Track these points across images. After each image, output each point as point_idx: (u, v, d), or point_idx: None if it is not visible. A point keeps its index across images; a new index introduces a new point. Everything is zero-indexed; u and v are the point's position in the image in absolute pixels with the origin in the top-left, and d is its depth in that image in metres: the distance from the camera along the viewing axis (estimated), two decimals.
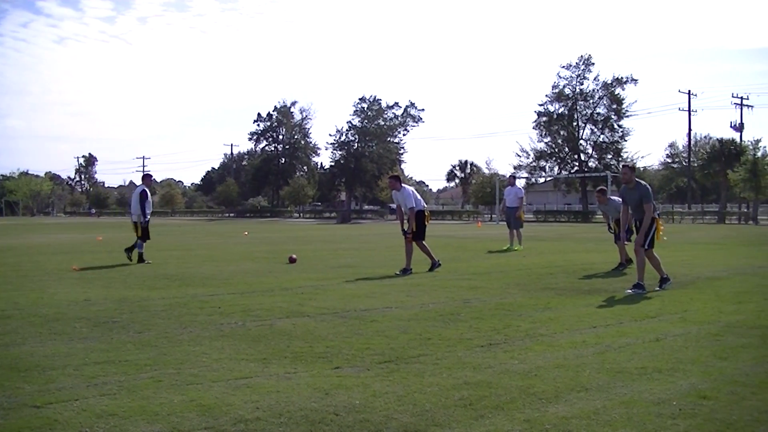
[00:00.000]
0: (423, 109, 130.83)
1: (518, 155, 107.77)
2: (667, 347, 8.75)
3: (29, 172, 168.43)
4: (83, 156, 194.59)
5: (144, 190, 22.32)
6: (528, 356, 8.26)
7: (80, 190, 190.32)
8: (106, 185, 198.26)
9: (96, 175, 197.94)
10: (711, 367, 7.66)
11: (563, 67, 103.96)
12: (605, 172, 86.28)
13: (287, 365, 7.85)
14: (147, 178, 23.35)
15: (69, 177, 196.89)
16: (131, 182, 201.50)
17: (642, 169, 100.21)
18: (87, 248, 29.88)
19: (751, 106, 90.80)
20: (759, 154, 74.76)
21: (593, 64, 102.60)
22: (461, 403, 6.39)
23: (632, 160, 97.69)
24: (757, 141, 76.38)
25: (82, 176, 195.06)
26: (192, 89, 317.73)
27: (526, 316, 11.17)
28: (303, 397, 6.56)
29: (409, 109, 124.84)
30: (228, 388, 6.85)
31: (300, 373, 7.46)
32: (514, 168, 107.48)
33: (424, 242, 18.67)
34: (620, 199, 15.57)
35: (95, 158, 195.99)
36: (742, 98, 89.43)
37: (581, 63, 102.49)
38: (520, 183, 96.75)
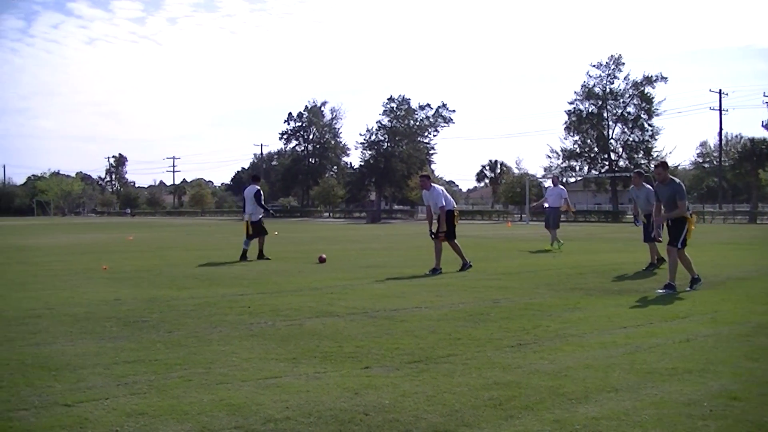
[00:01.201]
0: (454, 110, 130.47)
1: (548, 156, 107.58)
2: (697, 348, 8.71)
3: (60, 172, 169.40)
4: (114, 156, 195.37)
5: (259, 191, 23.23)
6: (557, 356, 8.24)
7: (111, 190, 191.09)
8: (136, 185, 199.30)
9: (126, 175, 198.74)
10: (742, 368, 7.62)
11: (593, 66, 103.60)
12: (635, 171, 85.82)
13: (316, 365, 7.86)
14: (257, 179, 24.47)
15: (99, 177, 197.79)
16: (161, 182, 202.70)
17: (675, 167, 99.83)
18: (117, 248, 30.00)
19: None
20: None
21: (623, 63, 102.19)
22: (490, 404, 6.38)
23: (662, 158, 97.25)
24: None
25: (113, 176, 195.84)
26: (222, 89, 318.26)
27: (555, 316, 11.15)
28: (332, 397, 6.56)
29: (440, 110, 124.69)
30: (257, 388, 6.87)
31: (329, 373, 7.47)
32: (545, 169, 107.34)
33: (455, 242, 18.65)
34: (652, 188, 15.44)
35: (125, 158, 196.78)
36: None
37: (611, 62, 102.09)
38: (549, 183, 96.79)
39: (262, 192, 23.33)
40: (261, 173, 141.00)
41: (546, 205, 28.09)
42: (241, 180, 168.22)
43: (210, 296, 13.53)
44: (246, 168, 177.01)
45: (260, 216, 23.10)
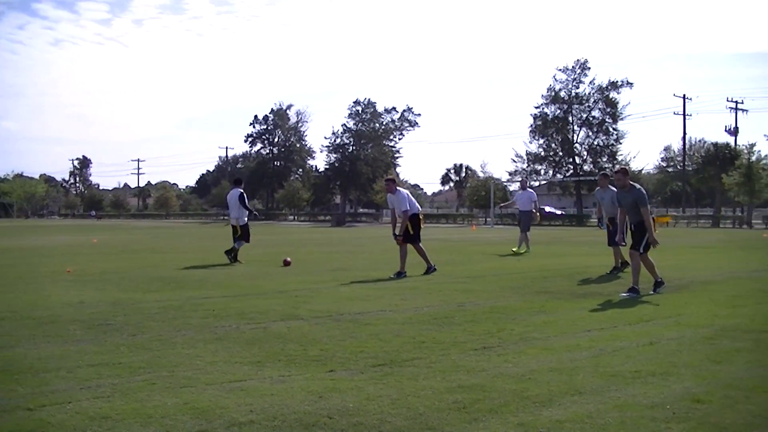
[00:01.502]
0: (420, 114, 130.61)
1: (514, 160, 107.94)
2: (661, 351, 8.77)
3: (24, 174, 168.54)
4: (78, 158, 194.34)
5: (242, 194, 23.15)
6: (522, 360, 8.27)
7: (75, 192, 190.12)
8: (100, 187, 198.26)
9: (91, 178, 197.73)
10: (705, 371, 7.67)
11: (559, 70, 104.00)
12: (601, 173, 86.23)
13: (281, 368, 7.85)
14: (239, 182, 24.56)
15: (64, 179, 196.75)
16: (126, 185, 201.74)
17: (639, 171, 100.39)
18: (82, 251, 29.85)
19: (746, 111, 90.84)
20: (753, 158, 74.97)
21: (589, 68, 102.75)
22: (455, 407, 6.39)
23: (626, 162, 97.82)
24: (752, 145, 76.70)
25: (77, 178, 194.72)
26: (187, 92, 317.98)
27: (520, 319, 11.18)
28: (297, 401, 6.56)
29: (405, 114, 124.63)
30: (222, 391, 6.85)
31: (294, 377, 7.46)
32: (509, 173, 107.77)
33: (420, 245, 18.67)
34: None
35: (90, 160, 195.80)
36: (736, 102, 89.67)
37: (577, 67, 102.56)
38: (516, 185, 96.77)
39: (245, 194, 23.26)
40: (227, 176, 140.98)
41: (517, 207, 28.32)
42: (206, 182, 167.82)
43: (175, 299, 13.47)
44: (211, 170, 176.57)
45: (246, 219, 23.07)
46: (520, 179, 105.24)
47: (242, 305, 12.64)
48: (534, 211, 27.58)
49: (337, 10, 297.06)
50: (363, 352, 8.69)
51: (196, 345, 9.15)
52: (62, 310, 12.05)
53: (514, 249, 26.59)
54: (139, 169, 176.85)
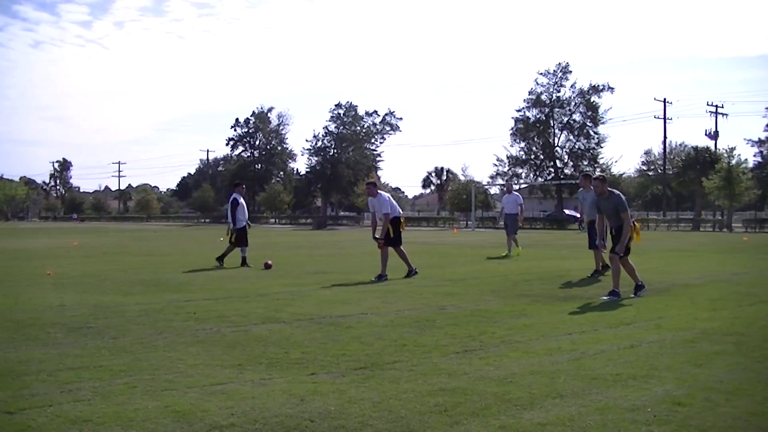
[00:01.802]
0: (401, 118, 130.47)
1: (495, 164, 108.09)
2: (642, 354, 8.79)
3: (4, 176, 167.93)
4: (58, 161, 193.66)
5: (234, 198, 22.86)
6: (503, 363, 8.28)
7: (55, 195, 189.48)
8: (81, 190, 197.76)
9: (71, 180, 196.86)
10: (686, 374, 7.69)
11: (540, 73, 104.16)
12: (584, 173, 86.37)
13: (262, 371, 7.85)
14: (238, 186, 23.91)
15: (44, 182, 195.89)
16: (106, 187, 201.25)
17: (619, 175, 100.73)
18: (62, 253, 29.76)
19: (726, 115, 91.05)
20: (733, 162, 75.22)
21: (570, 72, 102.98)
22: (436, 410, 6.39)
23: (607, 166, 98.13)
24: (732, 149, 76.91)
25: (57, 181, 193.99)
26: (169, 94, 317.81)
27: (501, 322, 11.19)
28: (278, 404, 6.55)
29: (387, 118, 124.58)
30: (203, 394, 6.84)
31: (275, 380, 7.46)
32: (491, 176, 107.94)
33: (401, 248, 18.68)
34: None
35: (70, 163, 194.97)
36: (717, 107, 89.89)
37: (559, 70, 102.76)
38: (497, 188, 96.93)
39: (238, 199, 22.89)
40: (208, 178, 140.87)
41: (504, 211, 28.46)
42: (187, 185, 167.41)
43: (156, 302, 13.44)
44: (192, 173, 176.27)
45: (241, 224, 22.74)
46: (501, 182, 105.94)
47: (223, 308, 12.63)
48: (520, 214, 27.73)
49: (318, 13, 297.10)
50: (344, 355, 8.69)
51: (177, 348, 9.13)
52: (42, 313, 12.00)
53: (513, 252, 26.68)
54: (120, 171, 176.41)
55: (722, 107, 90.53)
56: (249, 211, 22.82)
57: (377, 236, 18.70)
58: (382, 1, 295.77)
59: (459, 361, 8.37)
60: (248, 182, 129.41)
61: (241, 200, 22.96)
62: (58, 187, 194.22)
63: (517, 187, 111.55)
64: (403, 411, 6.36)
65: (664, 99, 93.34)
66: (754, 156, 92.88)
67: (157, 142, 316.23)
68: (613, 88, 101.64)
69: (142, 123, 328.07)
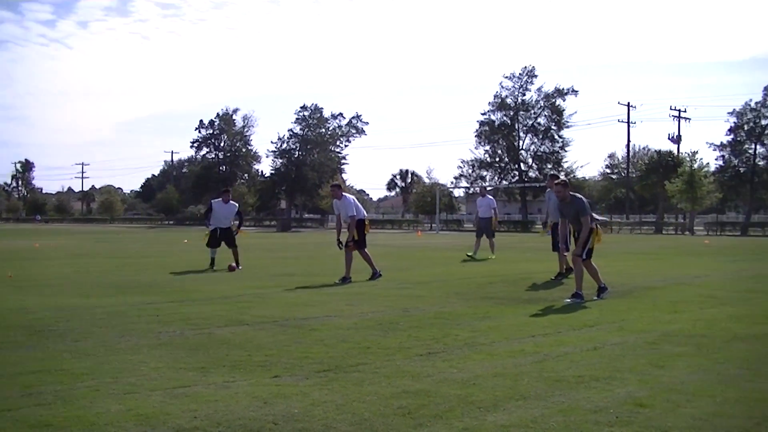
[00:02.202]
0: (367, 122, 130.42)
1: (460, 166, 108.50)
2: (604, 356, 8.83)
3: None
4: (20, 161, 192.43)
5: (209, 202, 23.73)
6: (467, 365, 8.29)
7: (17, 196, 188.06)
8: (44, 191, 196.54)
9: (34, 181, 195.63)
10: (648, 376, 7.74)
11: (506, 77, 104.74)
12: (545, 182, 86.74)
13: (226, 374, 7.82)
14: (221, 192, 24.09)
15: (5, 183, 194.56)
16: (70, 189, 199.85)
17: (583, 178, 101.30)
18: (24, 255, 29.56)
19: (689, 119, 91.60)
20: (696, 166, 75.86)
21: (536, 76, 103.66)
22: (400, 412, 6.39)
23: (571, 171, 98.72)
24: (694, 153, 77.67)
25: (19, 182, 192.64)
26: (133, 95, 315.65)
27: (465, 325, 11.21)
28: (241, 406, 6.53)
29: (354, 121, 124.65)
30: (166, 397, 6.81)
31: (239, 382, 7.43)
32: (456, 178, 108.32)
33: (366, 251, 18.68)
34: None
35: (33, 164, 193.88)
36: (679, 111, 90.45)
37: (524, 74, 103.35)
38: (461, 191, 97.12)
39: (213, 204, 23.41)
40: (172, 180, 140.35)
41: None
42: (151, 187, 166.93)
43: (119, 305, 13.38)
44: (156, 175, 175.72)
45: (230, 224, 23.22)
46: (465, 185, 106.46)
47: (187, 311, 12.59)
48: (494, 217, 27.87)
49: (284, 15, 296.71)
50: (308, 358, 8.68)
51: (141, 351, 9.09)
52: (3, 316, 11.91)
53: (490, 257, 26.76)
54: (83, 173, 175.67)
55: (685, 111, 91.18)
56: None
57: (342, 239, 18.68)
58: (348, 3, 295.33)
59: (422, 364, 8.38)
60: (212, 184, 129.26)
61: (218, 206, 23.18)
62: (20, 189, 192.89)
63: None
64: (367, 413, 6.36)
65: (628, 103, 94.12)
66: (716, 160, 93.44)
67: (122, 144, 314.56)
68: (577, 91, 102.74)
69: (106, 124, 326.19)
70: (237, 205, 23.60)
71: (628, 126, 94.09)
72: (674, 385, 7.30)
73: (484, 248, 27.37)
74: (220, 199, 23.15)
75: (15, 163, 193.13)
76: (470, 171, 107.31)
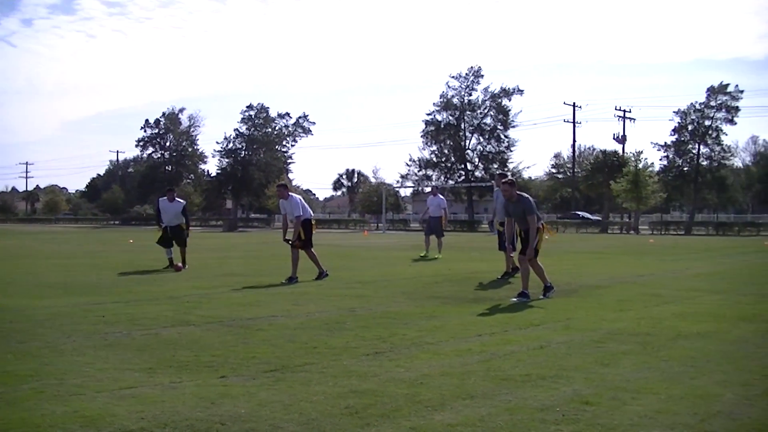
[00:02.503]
0: (314, 123, 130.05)
1: (407, 165, 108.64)
2: (551, 354, 8.90)
3: None
4: None
5: (156, 201, 23.83)
6: (414, 364, 8.32)
7: None
8: None
9: None
10: (593, 374, 7.81)
11: (452, 77, 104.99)
12: (491, 181, 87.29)
13: (173, 375, 7.79)
14: (166, 191, 24.21)
15: None
16: (13, 188, 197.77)
17: (529, 178, 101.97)
18: None
19: (633, 119, 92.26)
20: (640, 165, 76.58)
21: (482, 76, 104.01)
22: (347, 412, 6.40)
23: (518, 170, 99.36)
24: (639, 153, 78.36)
25: None
26: (78, 94, 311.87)
27: (412, 324, 11.23)
28: (188, 407, 6.51)
29: (300, 121, 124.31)
30: (112, 399, 6.77)
31: (185, 383, 7.41)
32: (402, 177, 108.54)
33: (312, 250, 18.65)
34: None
35: None
36: (624, 111, 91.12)
37: (471, 74, 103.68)
38: (408, 191, 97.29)
39: (159, 203, 23.57)
40: (117, 180, 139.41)
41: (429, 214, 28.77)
42: (96, 187, 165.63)
43: (64, 305, 13.26)
44: (101, 175, 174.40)
45: (179, 222, 23.11)
46: (410, 185, 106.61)
47: (133, 311, 12.51)
48: (443, 217, 28.01)
49: (230, 14, 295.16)
50: (255, 358, 8.66)
51: (86, 352, 9.02)
52: None
53: (436, 256, 26.89)
54: (27, 172, 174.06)
55: (630, 112, 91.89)
56: (159, 212, 22.84)
57: (288, 238, 18.66)
58: (294, 3, 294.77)
59: (369, 363, 8.39)
60: (158, 184, 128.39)
61: (164, 205, 23.25)
62: None
63: (428, 189, 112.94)
64: (314, 413, 6.36)
65: (574, 103, 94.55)
66: (660, 160, 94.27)
67: (67, 143, 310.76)
68: (522, 91, 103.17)
69: (50, 123, 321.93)
70: (184, 202, 23.59)
71: (574, 126, 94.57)
72: (620, 383, 7.38)
73: (432, 247, 27.51)
74: (166, 197, 23.19)
75: None
76: (416, 171, 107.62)
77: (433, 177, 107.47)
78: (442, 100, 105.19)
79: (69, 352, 9.04)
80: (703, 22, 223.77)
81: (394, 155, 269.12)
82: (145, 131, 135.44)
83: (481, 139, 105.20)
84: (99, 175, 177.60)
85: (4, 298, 14.28)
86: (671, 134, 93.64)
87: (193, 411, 6.40)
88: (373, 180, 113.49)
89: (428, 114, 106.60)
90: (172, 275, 19.65)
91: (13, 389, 7.13)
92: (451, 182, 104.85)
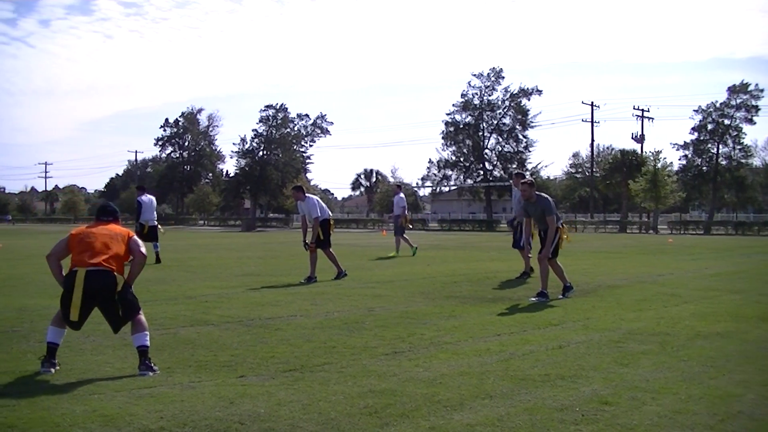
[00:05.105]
0: (332, 123, 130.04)
1: (428, 167, 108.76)
2: (569, 354, 8.88)
3: None
4: None
5: (138, 201, 24.37)
6: (432, 364, 8.31)
7: None
8: (6, 191, 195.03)
9: None
10: (612, 374, 7.79)
11: (474, 75, 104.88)
12: (509, 181, 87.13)
13: (191, 374, 7.80)
14: (144, 189, 25.42)
15: None
16: (33, 188, 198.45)
17: (547, 177, 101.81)
18: None
19: (652, 119, 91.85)
20: (659, 165, 76.21)
21: (503, 77, 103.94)
22: (366, 411, 6.40)
23: (536, 170, 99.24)
24: (657, 152, 77.86)
25: None
26: (96, 94, 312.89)
27: (430, 324, 11.22)
28: (207, 407, 6.52)
29: (318, 121, 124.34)
30: (131, 398, 6.78)
31: (204, 382, 7.42)
32: (421, 179, 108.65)
33: (330, 250, 18.64)
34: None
35: None
36: (643, 110, 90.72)
37: (492, 74, 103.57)
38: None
39: (141, 200, 24.36)
40: (136, 180, 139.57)
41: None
42: (115, 187, 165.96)
43: None
44: (120, 174, 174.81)
45: (153, 222, 24.15)
46: (430, 184, 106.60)
47: (151, 311, 12.47)
48: (402, 215, 28.82)
49: (246, 14, 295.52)
50: (274, 358, 8.67)
51: (105, 351, 9.05)
52: None
53: (392, 254, 27.77)
54: (46, 172, 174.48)
55: (648, 111, 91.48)
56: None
57: (307, 240, 18.63)
58: (311, 2, 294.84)
59: (388, 363, 8.39)
60: (177, 183, 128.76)
61: (146, 201, 24.33)
62: None
63: (447, 189, 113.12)
64: (333, 413, 6.36)
65: (592, 102, 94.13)
66: (679, 159, 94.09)
67: (85, 143, 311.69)
68: (541, 91, 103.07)
69: (67, 123, 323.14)
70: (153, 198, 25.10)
71: (592, 125, 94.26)
72: (639, 383, 7.36)
73: (403, 246, 28.42)
74: (145, 195, 24.37)
75: None
76: (436, 171, 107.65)
77: (452, 177, 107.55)
78: (462, 99, 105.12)
79: (88, 351, 9.07)
80: (720, 20, 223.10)
81: (412, 155, 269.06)
82: (164, 130, 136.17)
83: (500, 139, 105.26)
84: (118, 174, 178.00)
85: (25, 298, 14.31)
86: (690, 133, 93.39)
87: (212, 410, 6.40)
88: (391, 180, 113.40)
89: (448, 114, 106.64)
90: (190, 275, 19.64)
91: (33, 388, 7.15)
92: (469, 182, 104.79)
